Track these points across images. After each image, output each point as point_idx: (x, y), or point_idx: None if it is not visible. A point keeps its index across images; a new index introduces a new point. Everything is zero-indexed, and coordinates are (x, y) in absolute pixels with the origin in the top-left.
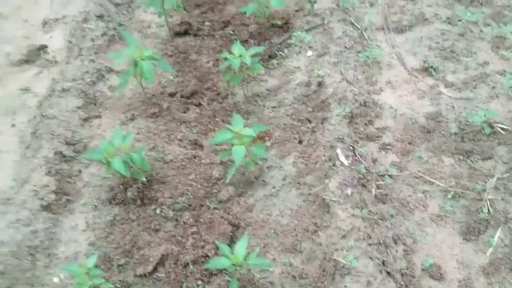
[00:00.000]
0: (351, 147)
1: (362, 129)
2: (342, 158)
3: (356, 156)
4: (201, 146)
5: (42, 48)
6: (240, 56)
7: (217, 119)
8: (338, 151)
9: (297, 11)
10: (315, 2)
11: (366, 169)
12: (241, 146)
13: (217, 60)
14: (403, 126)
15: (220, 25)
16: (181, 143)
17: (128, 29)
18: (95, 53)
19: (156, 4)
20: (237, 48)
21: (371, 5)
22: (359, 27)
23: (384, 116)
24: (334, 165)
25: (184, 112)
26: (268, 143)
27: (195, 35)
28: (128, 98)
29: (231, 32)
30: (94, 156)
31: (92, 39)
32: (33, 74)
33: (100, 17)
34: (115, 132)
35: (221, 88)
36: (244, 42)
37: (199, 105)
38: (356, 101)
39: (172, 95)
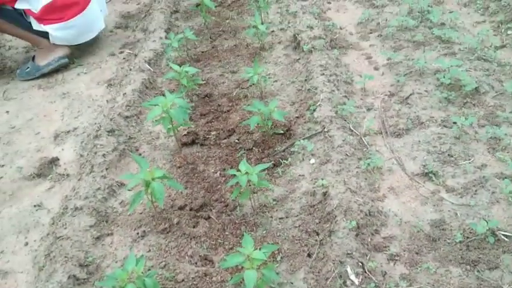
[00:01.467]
0: (360, 263)
1: (369, 239)
2: (352, 277)
3: (365, 272)
4: (212, 262)
5: (54, 161)
6: (247, 173)
7: (227, 233)
8: (348, 269)
9: (297, 117)
10: (314, 110)
11: (377, 286)
12: (253, 270)
13: (224, 169)
14: (409, 234)
15: (226, 134)
16: (192, 259)
17: (137, 142)
18: (107, 169)
19: (165, 123)
20: (243, 166)
21: (368, 109)
22: (358, 133)
23: (389, 224)
24: (345, 283)
25: (194, 226)
26: (277, 257)
27: (202, 145)
28: (138, 213)
29: (236, 140)
30: (108, 284)
31: (103, 155)
32: (45, 189)
33: (110, 131)
34: (128, 258)
35: (229, 199)
36: (249, 150)
37: (208, 218)
38: (361, 211)
39: (181, 208)
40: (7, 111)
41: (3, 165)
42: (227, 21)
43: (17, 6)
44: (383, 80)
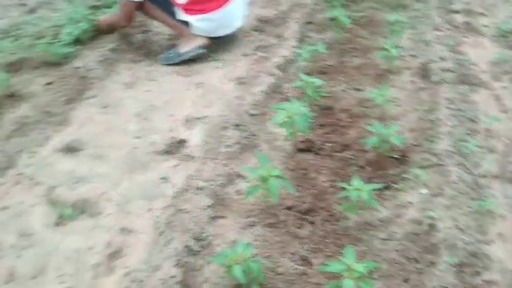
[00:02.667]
0: None
1: (468, 279)
2: None
3: None
4: (310, 264)
5: (182, 142)
6: (358, 189)
7: (328, 241)
8: None
9: (415, 145)
10: (433, 141)
11: None
12: (352, 280)
13: (334, 181)
14: (510, 282)
15: (340, 147)
16: (293, 257)
17: (258, 139)
18: (228, 158)
19: (288, 127)
20: (356, 182)
21: (490, 151)
22: (475, 173)
23: (492, 269)
24: None
25: (298, 228)
26: (374, 275)
27: (316, 153)
28: (250, 204)
29: (350, 156)
30: (219, 260)
31: (227, 146)
32: (172, 165)
33: (236, 125)
34: (238, 242)
35: (335, 210)
36: (361, 168)
37: (312, 223)
38: (466, 250)
39: (289, 208)
40: (149, 90)
41: (139, 137)
42: (358, 39)
43: None
44: (510, 124)
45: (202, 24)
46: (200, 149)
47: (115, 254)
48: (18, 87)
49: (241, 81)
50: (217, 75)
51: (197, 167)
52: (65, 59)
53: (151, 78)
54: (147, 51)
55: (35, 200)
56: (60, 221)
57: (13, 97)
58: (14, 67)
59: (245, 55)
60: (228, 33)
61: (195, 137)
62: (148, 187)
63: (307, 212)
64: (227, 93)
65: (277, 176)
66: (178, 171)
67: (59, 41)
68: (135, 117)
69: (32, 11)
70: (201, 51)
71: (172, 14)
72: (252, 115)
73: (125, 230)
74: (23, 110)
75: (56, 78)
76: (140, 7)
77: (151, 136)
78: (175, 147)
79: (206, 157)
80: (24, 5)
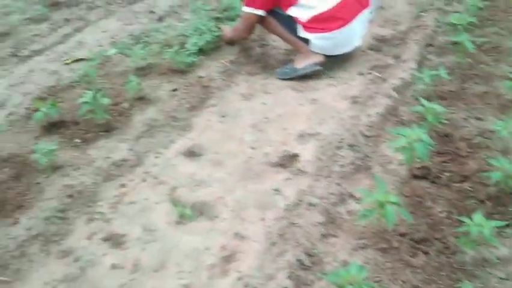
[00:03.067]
0: None
1: None
2: None
3: None
4: None
5: (295, 156)
6: (480, 225)
7: (442, 273)
8: None
9: None
10: None
11: None
12: None
13: (450, 212)
14: None
15: (459, 178)
16: (404, 285)
17: (371, 161)
18: (341, 178)
19: (407, 154)
20: (478, 217)
21: None
22: None
23: None
24: None
25: (412, 256)
26: None
27: (432, 182)
28: (362, 226)
29: (469, 188)
30: (331, 278)
31: (341, 166)
32: (284, 178)
33: (350, 146)
34: (351, 265)
35: (451, 242)
36: (480, 202)
37: (427, 253)
38: None
39: (402, 235)
40: (264, 103)
41: (254, 148)
42: (481, 65)
43: (289, 12)
44: None
45: (321, 42)
46: (312, 165)
47: (229, 258)
48: (147, 92)
49: (355, 101)
50: (332, 93)
51: (309, 182)
52: (190, 67)
53: (267, 91)
54: (264, 65)
55: (159, 197)
56: (181, 220)
57: (142, 100)
58: (144, 72)
59: (360, 74)
60: (346, 52)
61: (307, 153)
62: (261, 196)
63: (422, 241)
64: (341, 112)
65: (395, 203)
66: (290, 185)
67: (185, 50)
68: (251, 128)
69: (160, 19)
70: (317, 68)
71: (293, 31)
72: (367, 136)
73: (239, 235)
74: (151, 113)
75: (181, 85)
76: (261, 21)
77: (265, 147)
78: (287, 160)
79: (319, 174)
80: (153, 12)
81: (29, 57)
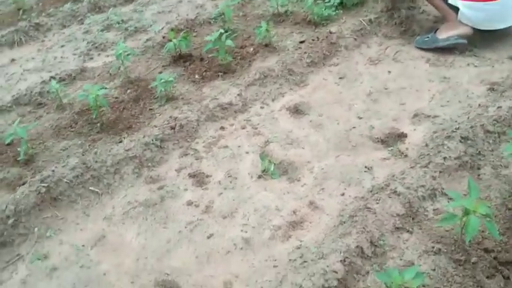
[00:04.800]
0: None
1: None
2: None
3: None
4: None
5: (401, 136)
6: None
7: None
8: None
9: None
10: None
11: None
12: None
13: None
14: None
15: None
16: None
17: (483, 161)
18: (440, 171)
19: None
20: None
21: None
22: None
23: None
24: None
25: (488, 277)
26: None
27: None
28: (444, 229)
29: None
30: (382, 277)
31: (444, 158)
32: (380, 157)
33: (464, 138)
34: (410, 269)
35: None
36: None
37: (507, 278)
38: None
39: (486, 251)
40: (389, 72)
41: (361, 118)
42: None
43: None
44: None
45: (470, 12)
46: (415, 151)
47: (295, 224)
48: (275, 39)
49: (493, 88)
50: (469, 74)
51: (404, 168)
52: (325, 20)
53: (397, 59)
54: (405, 29)
55: (251, 148)
56: (264, 175)
57: (268, 47)
58: (279, 19)
59: (510, 58)
60: (498, 28)
61: (416, 135)
62: (349, 170)
63: (506, 264)
64: (471, 97)
65: (485, 215)
66: (384, 166)
67: (325, 2)
68: (365, 95)
69: None
70: (460, 41)
71: None
72: (488, 131)
73: (313, 205)
74: (270, 62)
75: (309, 38)
76: None
77: (373, 120)
78: (392, 139)
79: (418, 162)
80: None
81: None
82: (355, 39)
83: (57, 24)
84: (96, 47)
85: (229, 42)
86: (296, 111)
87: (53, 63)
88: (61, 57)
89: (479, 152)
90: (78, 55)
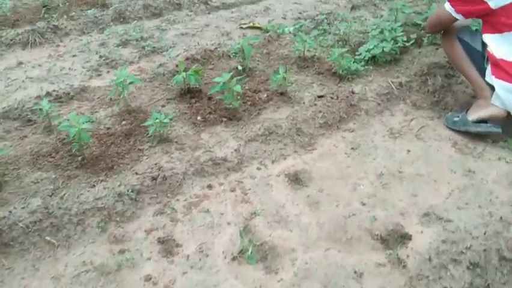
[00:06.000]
0: None
1: None
2: None
3: None
4: None
5: (404, 238)
6: None
7: None
8: None
9: None
10: None
11: None
12: None
13: None
14: None
15: None
16: None
17: None
18: None
19: None
20: None
21: None
22: None
23: None
24: None
25: None
26: None
27: None
28: None
29: None
30: None
31: None
32: (376, 261)
33: (473, 264)
34: None
35: None
36: None
37: None
38: None
39: None
40: (408, 151)
41: (364, 204)
42: None
43: (486, 38)
44: None
45: (506, 95)
46: (416, 263)
47: None
48: (292, 88)
49: None
50: (498, 171)
51: (397, 286)
52: (351, 75)
53: (421, 137)
54: (437, 100)
55: (234, 218)
56: (239, 256)
57: (282, 96)
58: (304, 64)
59: None
60: None
61: (421, 241)
62: (335, 274)
63: None
64: (494, 204)
65: None
66: (377, 276)
67: (355, 55)
68: (376, 177)
69: (354, 7)
70: (494, 130)
71: (478, 66)
72: (504, 259)
73: None
74: (281, 115)
75: (328, 93)
76: (445, 36)
77: (377, 210)
78: (393, 239)
79: (414, 282)
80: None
81: (216, 8)
82: (379, 104)
83: (76, 30)
84: (107, 63)
85: (237, 87)
86: (295, 180)
87: (58, 74)
88: (69, 68)
89: (488, 285)
90: (86, 69)
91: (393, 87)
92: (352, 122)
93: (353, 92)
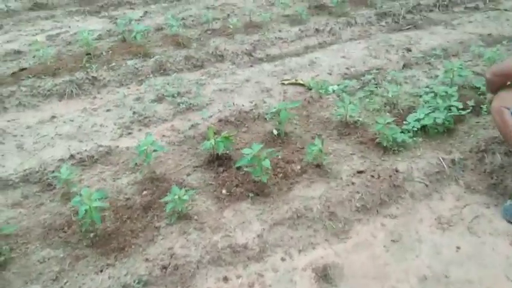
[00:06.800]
0: None
1: None
2: None
3: None
4: None
5: None
6: None
7: None
8: None
9: None
10: None
11: None
12: None
13: None
14: None
15: None
16: None
17: None
18: None
19: None
20: None
21: None
22: None
23: None
24: None
25: None
26: None
27: None
28: None
29: None
30: None
31: None
32: None
33: None
34: None
35: None
36: None
37: None
38: None
39: None
40: (458, 248)
41: None
42: None
43: None
44: None
45: None
46: None
47: None
48: (329, 160)
49: None
50: None
51: None
52: (397, 147)
53: (474, 230)
54: (495, 183)
55: None
56: None
57: (317, 169)
58: (344, 130)
59: None
60: None
61: None
62: None
63: None
64: None
65: None
66: None
67: (404, 123)
68: (417, 281)
69: (406, 65)
70: None
71: None
72: None
73: None
74: (314, 192)
75: (369, 169)
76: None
77: None
78: None
79: None
80: (409, 50)
81: (259, 60)
82: (426, 185)
83: (115, 81)
84: (140, 121)
85: (266, 163)
86: (324, 276)
87: (88, 131)
88: (100, 125)
89: None
90: (118, 126)
91: (445, 165)
92: (394, 207)
93: (397, 171)
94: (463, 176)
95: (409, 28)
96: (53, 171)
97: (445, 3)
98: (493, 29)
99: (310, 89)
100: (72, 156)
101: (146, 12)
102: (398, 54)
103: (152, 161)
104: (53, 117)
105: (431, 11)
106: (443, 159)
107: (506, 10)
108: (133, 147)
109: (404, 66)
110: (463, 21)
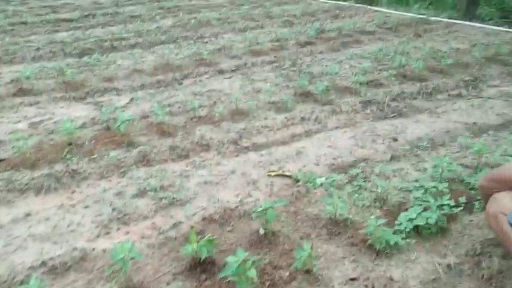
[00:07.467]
0: None
1: None
2: None
3: None
4: None
5: None
6: None
7: None
8: None
9: None
10: None
11: None
12: None
13: None
14: None
15: None
16: None
17: None
18: None
19: None
20: None
21: None
22: None
23: None
24: None
25: None
26: None
27: None
28: None
29: None
30: None
31: None
32: None
33: None
34: None
35: None
36: None
37: None
38: None
39: None
40: None
41: None
42: None
43: None
44: None
45: None
46: None
47: None
48: (319, 265)
49: None
50: None
51: None
52: (389, 249)
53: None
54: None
55: None
56: None
57: (307, 275)
58: (333, 229)
59: None
60: None
61: None
62: None
63: None
64: None
65: None
66: None
67: (396, 223)
68: None
69: (393, 157)
70: None
71: None
72: None
73: None
74: None
75: (362, 276)
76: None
77: None
78: None
79: None
80: (395, 140)
81: (245, 149)
82: None
83: (96, 174)
84: (119, 218)
85: (252, 273)
86: None
87: (64, 231)
88: (77, 223)
89: None
90: (96, 225)
91: (441, 271)
92: None
93: (391, 279)
94: (460, 283)
95: (394, 116)
96: (21, 283)
97: (428, 90)
98: (478, 118)
99: (298, 181)
100: (43, 264)
101: (132, 98)
102: (385, 144)
103: (130, 267)
104: (28, 215)
105: (415, 98)
106: (438, 264)
107: (489, 98)
108: (110, 249)
109: (392, 158)
110: (447, 109)
